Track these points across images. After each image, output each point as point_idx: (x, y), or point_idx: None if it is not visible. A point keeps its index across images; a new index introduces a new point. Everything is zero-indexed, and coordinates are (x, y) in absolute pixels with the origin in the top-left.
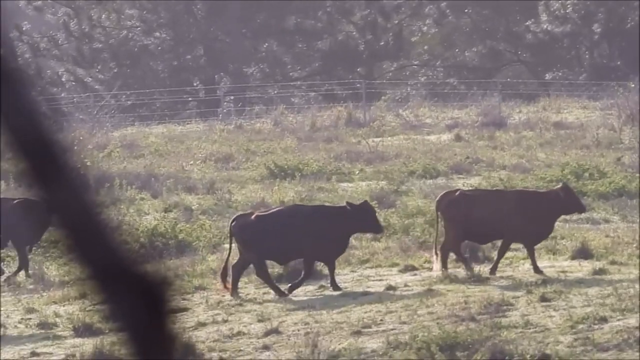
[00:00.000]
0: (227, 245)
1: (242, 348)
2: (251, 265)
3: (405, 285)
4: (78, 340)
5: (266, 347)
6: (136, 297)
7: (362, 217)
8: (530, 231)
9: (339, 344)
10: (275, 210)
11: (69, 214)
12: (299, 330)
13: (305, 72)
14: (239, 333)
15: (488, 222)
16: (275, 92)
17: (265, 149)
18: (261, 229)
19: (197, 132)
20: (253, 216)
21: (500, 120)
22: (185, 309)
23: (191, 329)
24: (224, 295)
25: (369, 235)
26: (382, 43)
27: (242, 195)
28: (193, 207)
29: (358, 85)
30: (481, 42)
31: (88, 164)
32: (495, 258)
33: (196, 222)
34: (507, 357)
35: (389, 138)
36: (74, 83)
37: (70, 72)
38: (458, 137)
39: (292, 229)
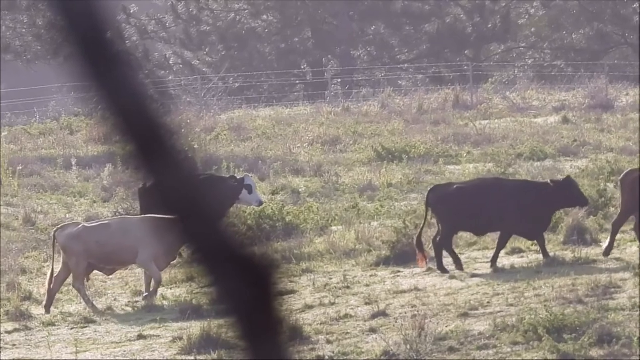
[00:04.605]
0: (334, 228)
1: (348, 331)
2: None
3: (513, 268)
4: (185, 323)
5: (373, 330)
6: (243, 279)
7: (567, 193)
8: None
9: (446, 327)
10: (475, 181)
11: (176, 197)
12: (406, 313)
13: (412, 54)
14: (345, 316)
15: None
16: (383, 74)
17: (372, 132)
18: (461, 200)
19: (304, 115)
20: (453, 187)
21: (607, 103)
22: (292, 292)
23: (298, 311)
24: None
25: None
26: (490, 25)
27: (350, 178)
28: (300, 190)
29: (465, 67)
30: (588, 24)
31: (195, 147)
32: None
33: (303, 204)
34: (614, 340)
35: (496, 120)
36: (181, 66)
37: (178, 55)
38: (565, 119)
39: (493, 201)
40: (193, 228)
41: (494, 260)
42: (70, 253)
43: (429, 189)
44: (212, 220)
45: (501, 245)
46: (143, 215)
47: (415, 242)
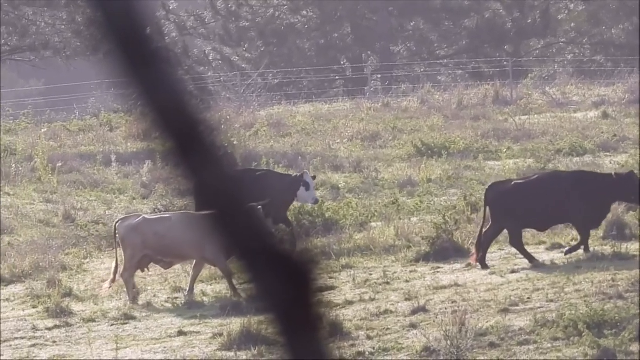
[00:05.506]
0: (374, 224)
1: (389, 326)
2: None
3: (553, 263)
4: (225, 320)
5: (413, 326)
6: (283, 275)
7: (627, 187)
8: None
9: (487, 322)
10: (533, 177)
11: (215, 193)
12: (446, 309)
13: (452, 50)
14: (386, 311)
15: None
16: (422, 70)
17: (412, 127)
18: (521, 197)
19: (344, 111)
20: (511, 184)
21: None
22: (332, 288)
23: (338, 307)
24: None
25: None
26: (529, 21)
27: (389, 174)
28: (340, 186)
29: (505, 63)
30: (628, 19)
31: (235, 143)
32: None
33: (343, 200)
34: None
35: (536, 116)
36: (220, 62)
37: (217, 51)
38: (605, 114)
39: (554, 195)
40: (237, 223)
41: (574, 249)
42: (127, 243)
43: (487, 186)
44: (261, 215)
45: (585, 236)
46: (206, 212)
47: (476, 241)
